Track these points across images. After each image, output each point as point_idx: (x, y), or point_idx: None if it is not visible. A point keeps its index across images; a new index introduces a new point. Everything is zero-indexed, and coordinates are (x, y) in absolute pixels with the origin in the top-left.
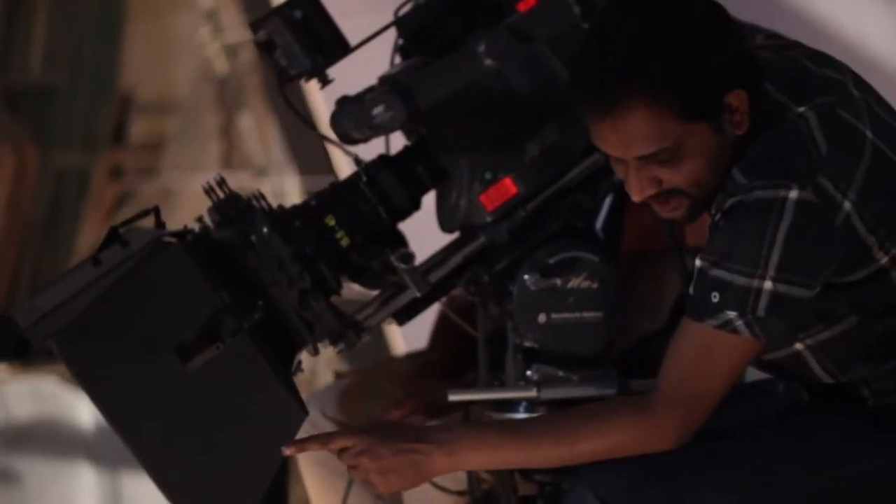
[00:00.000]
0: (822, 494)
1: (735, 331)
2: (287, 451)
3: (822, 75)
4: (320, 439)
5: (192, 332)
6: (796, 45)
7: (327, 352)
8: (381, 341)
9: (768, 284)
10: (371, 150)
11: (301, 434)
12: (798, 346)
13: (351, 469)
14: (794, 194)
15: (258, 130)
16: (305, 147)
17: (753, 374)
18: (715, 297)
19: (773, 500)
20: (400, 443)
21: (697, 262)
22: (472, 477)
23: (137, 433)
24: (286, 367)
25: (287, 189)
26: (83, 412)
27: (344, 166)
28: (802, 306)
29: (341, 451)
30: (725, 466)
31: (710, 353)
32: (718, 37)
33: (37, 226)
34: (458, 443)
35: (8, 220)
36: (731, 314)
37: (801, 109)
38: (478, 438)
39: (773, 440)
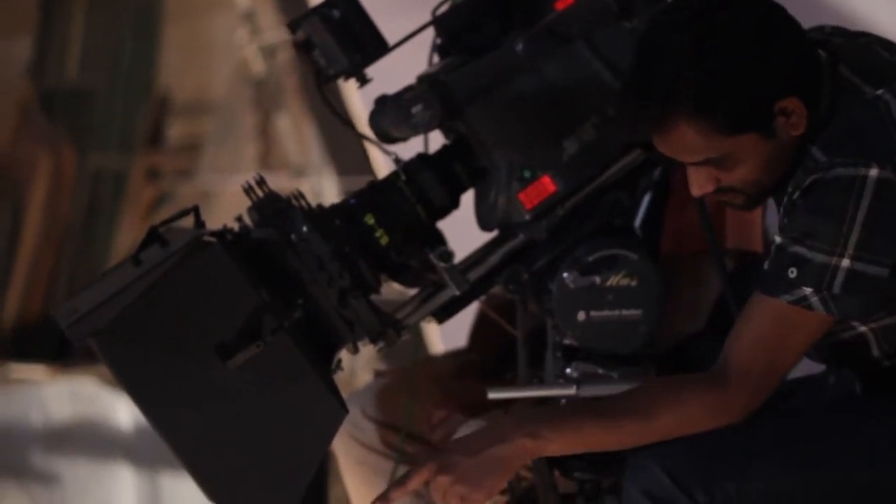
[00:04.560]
0: (884, 481)
1: (809, 307)
2: None
3: (894, 62)
4: (399, 483)
5: (232, 330)
6: (865, 34)
7: (366, 351)
8: (420, 340)
9: (846, 262)
10: (410, 149)
11: (341, 432)
12: (862, 328)
13: (444, 501)
14: (874, 172)
15: (295, 131)
16: (343, 147)
17: (801, 370)
18: (792, 273)
19: (838, 484)
20: (472, 443)
21: (777, 239)
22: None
23: (177, 432)
24: (326, 365)
25: (325, 190)
26: (122, 413)
27: (382, 166)
28: (877, 285)
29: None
30: (790, 447)
31: (783, 329)
32: (772, 45)
33: (74, 228)
34: (539, 424)
35: (45, 222)
36: (807, 290)
37: (879, 92)
38: (558, 419)
39: (834, 425)
